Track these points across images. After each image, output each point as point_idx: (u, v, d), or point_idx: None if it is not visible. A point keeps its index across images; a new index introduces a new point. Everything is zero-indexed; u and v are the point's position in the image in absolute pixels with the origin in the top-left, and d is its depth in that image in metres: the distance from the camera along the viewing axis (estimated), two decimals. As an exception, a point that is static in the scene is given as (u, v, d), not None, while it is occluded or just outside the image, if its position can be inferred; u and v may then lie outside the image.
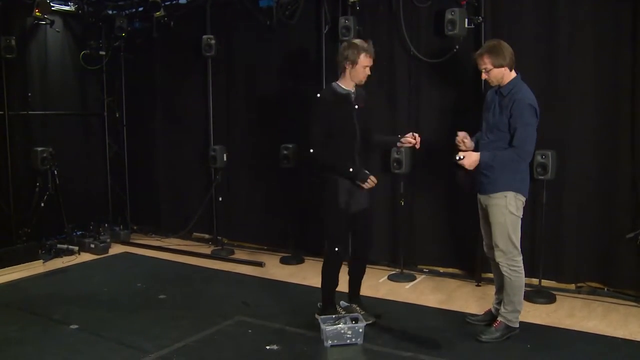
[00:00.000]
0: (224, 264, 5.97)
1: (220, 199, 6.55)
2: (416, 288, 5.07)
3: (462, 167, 3.68)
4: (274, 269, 5.75)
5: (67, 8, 6.84)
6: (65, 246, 6.26)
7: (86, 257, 6.20)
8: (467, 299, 4.71)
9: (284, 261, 5.97)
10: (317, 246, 5.38)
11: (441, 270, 5.42)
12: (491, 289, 4.27)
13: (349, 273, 4.24)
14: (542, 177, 4.52)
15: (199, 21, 6.54)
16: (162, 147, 7.26)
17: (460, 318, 4.22)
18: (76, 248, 6.27)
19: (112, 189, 7.53)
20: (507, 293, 3.78)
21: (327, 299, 4.10)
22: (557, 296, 4.63)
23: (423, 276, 5.37)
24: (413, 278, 5.30)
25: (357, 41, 3.94)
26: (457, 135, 3.88)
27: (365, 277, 4.28)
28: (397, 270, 5.40)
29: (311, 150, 3.88)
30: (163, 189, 7.32)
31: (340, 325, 3.77)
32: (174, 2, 6.67)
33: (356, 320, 3.86)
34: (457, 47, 4.97)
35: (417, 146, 3.97)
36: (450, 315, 4.35)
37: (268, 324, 4.16)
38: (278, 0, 5.76)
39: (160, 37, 6.86)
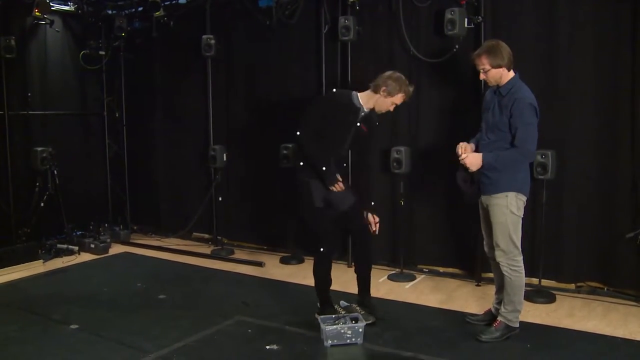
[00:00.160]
0: (223, 264, 5.97)
1: (220, 199, 6.55)
2: (416, 288, 5.07)
3: (464, 168, 3.69)
4: (274, 269, 5.75)
5: (66, 8, 6.85)
6: (65, 246, 6.26)
7: (86, 257, 6.20)
8: (467, 299, 4.71)
9: (283, 261, 5.98)
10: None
11: (441, 270, 5.42)
12: (491, 289, 4.27)
13: (356, 271, 4.26)
14: (542, 177, 4.52)
15: (198, 21, 6.54)
16: (162, 147, 7.26)
17: (460, 318, 4.22)
18: (76, 248, 6.27)
19: (112, 189, 7.53)
20: (507, 293, 3.78)
21: (322, 299, 4.11)
22: (557, 296, 4.64)
23: (423, 276, 5.37)
24: (413, 278, 5.30)
25: (405, 79, 3.94)
26: (458, 147, 3.78)
27: (365, 277, 4.29)
28: (397, 270, 5.40)
29: (298, 133, 3.89)
30: (163, 189, 7.32)
31: (340, 325, 3.77)
32: (174, 1, 6.67)
33: (356, 320, 3.85)
34: (456, 46, 4.96)
35: (374, 229, 4.11)
36: (450, 315, 4.35)
37: (268, 324, 4.16)
38: (277, 0, 5.76)
39: (160, 37, 6.86)
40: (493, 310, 4.05)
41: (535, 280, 4.69)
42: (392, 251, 5.61)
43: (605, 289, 4.66)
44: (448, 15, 4.86)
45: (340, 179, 3.97)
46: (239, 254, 6.33)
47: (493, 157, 3.64)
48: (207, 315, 4.35)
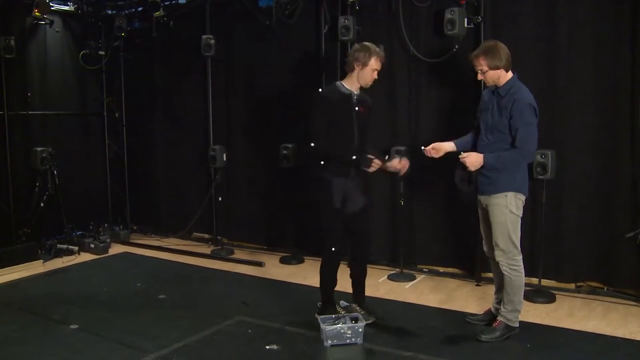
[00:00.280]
0: (223, 264, 5.97)
1: (220, 199, 6.55)
2: (416, 288, 5.08)
3: (462, 167, 3.69)
4: (274, 269, 5.75)
5: (66, 8, 6.85)
6: (65, 246, 6.26)
7: (86, 257, 6.20)
8: (467, 299, 4.71)
9: (283, 261, 5.97)
10: (316, 246, 5.35)
11: (441, 270, 5.42)
12: (491, 289, 4.28)
13: (351, 275, 4.24)
14: (542, 177, 4.52)
15: (198, 21, 6.54)
16: (162, 147, 7.26)
17: (460, 318, 4.22)
18: (76, 248, 6.27)
19: (112, 189, 7.53)
20: (507, 292, 3.78)
21: (326, 298, 4.11)
22: (556, 296, 4.64)
23: (423, 276, 5.37)
24: (413, 278, 5.30)
25: (369, 44, 3.93)
26: (460, 155, 3.74)
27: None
28: (397, 269, 5.40)
29: (312, 144, 3.89)
30: (163, 189, 7.32)
31: (340, 325, 3.77)
32: (174, 2, 6.67)
33: (356, 320, 3.85)
34: (456, 46, 4.97)
35: (402, 173, 4.01)
36: (450, 315, 4.35)
37: (268, 324, 4.16)
38: (277, 0, 5.76)
39: (160, 37, 6.86)
40: (493, 310, 4.05)
41: (535, 280, 4.69)
42: (392, 251, 5.61)
43: (605, 288, 4.66)
44: (448, 15, 4.86)
45: (373, 157, 3.89)
46: (239, 254, 6.33)
47: (494, 158, 3.64)
48: (207, 315, 4.35)
